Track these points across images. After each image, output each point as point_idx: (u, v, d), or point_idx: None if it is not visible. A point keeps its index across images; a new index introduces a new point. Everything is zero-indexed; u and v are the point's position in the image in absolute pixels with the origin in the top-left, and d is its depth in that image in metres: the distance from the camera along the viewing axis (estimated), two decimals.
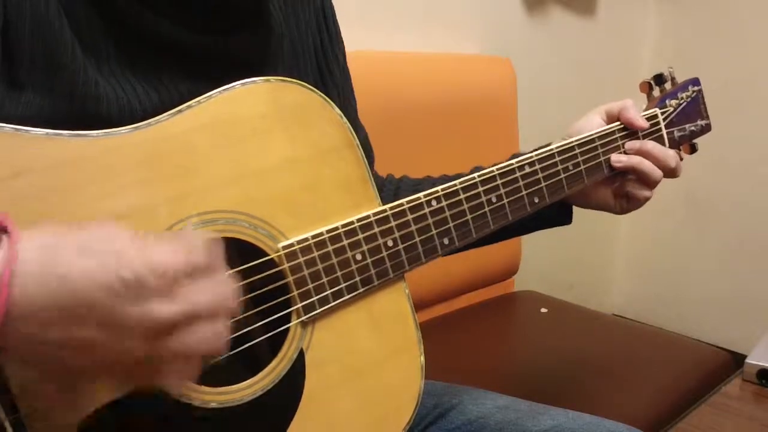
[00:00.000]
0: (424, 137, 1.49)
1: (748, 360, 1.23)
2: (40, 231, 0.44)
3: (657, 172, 0.86)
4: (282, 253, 0.62)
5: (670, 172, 0.88)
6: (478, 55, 1.76)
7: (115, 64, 0.61)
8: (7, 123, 0.51)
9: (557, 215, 0.90)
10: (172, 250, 0.46)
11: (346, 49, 0.86)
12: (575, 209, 0.91)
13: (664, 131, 0.92)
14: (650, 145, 0.87)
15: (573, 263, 2.17)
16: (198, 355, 0.48)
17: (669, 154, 0.87)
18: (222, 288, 0.48)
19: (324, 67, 0.81)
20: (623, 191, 0.88)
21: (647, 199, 0.88)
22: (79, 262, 0.42)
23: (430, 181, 0.89)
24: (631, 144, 0.88)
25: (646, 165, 0.86)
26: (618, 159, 0.86)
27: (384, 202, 0.69)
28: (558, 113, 1.90)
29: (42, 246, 0.42)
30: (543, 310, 1.64)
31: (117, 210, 0.55)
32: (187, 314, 0.46)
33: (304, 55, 0.78)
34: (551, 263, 2.04)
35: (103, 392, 0.48)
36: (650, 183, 0.87)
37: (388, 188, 0.89)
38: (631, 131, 0.88)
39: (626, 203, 0.89)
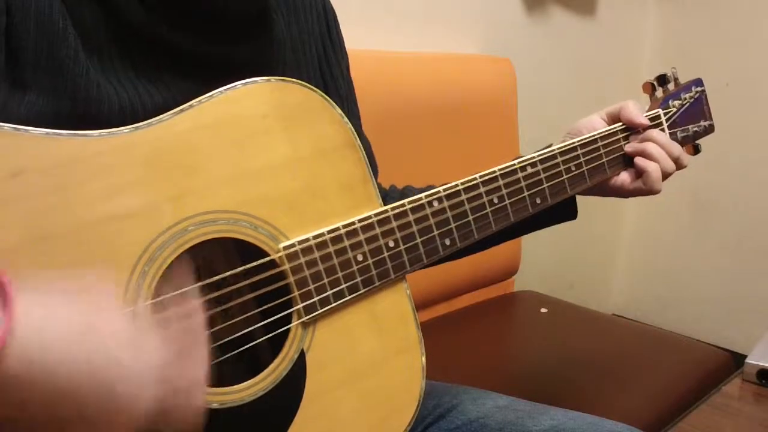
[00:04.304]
0: (424, 137, 1.49)
1: (748, 360, 1.23)
2: (38, 303, 0.43)
3: (663, 155, 0.86)
4: (283, 253, 0.62)
5: (675, 161, 0.88)
6: (478, 55, 1.76)
7: (118, 65, 0.61)
8: (8, 123, 0.51)
9: (563, 211, 0.90)
10: (161, 348, 0.47)
11: (347, 48, 0.86)
12: (579, 209, 0.91)
13: (667, 132, 0.93)
14: (654, 132, 0.89)
15: (573, 263, 2.17)
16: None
17: (673, 143, 0.88)
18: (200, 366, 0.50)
19: (327, 75, 0.81)
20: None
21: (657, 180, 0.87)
22: (71, 367, 0.43)
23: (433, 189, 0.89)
24: (633, 138, 0.89)
25: (652, 147, 0.86)
26: (631, 145, 0.88)
27: None
28: (558, 113, 1.90)
29: (37, 329, 0.42)
30: (543, 310, 1.64)
31: (117, 210, 0.54)
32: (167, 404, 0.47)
33: (306, 64, 0.78)
34: (551, 263, 2.04)
35: None
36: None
37: (392, 197, 0.89)
38: (633, 131, 0.88)
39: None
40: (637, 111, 0.89)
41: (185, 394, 0.49)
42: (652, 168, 0.86)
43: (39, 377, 0.42)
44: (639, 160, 0.87)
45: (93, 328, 0.45)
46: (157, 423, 0.47)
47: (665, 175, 0.87)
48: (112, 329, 0.46)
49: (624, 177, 0.89)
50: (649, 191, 0.88)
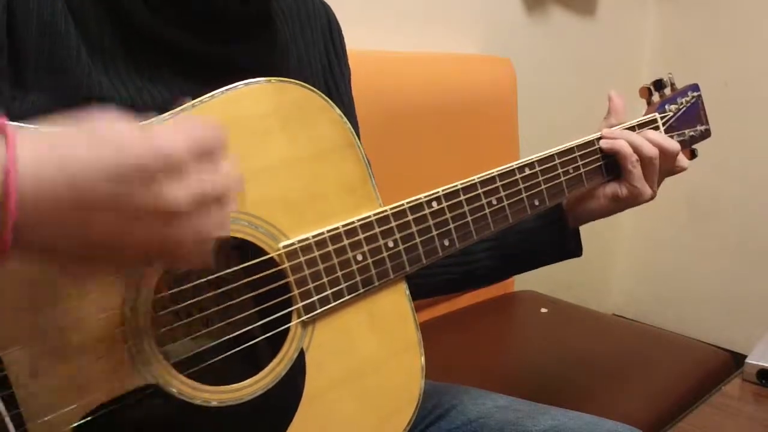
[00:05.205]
0: (424, 137, 1.49)
1: (748, 360, 1.23)
2: (38, 132, 0.42)
3: (633, 157, 0.84)
4: (282, 252, 0.62)
5: (674, 159, 0.87)
6: (478, 55, 1.76)
7: (120, 65, 0.61)
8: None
9: (568, 245, 0.91)
10: (174, 133, 0.44)
11: (346, 47, 0.87)
12: None
13: None
14: (647, 131, 0.88)
15: (573, 263, 2.16)
16: (209, 238, 0.47)
17: (670, 140, 0.87)
18: (227, 171, 0.47)
19: (332, 87, 0.81)
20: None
21: (637, 190, 0.85)
22: (81, 154, 0.41)
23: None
24: (608, 131, 0.87)
25: (625, 147, 0.84)
26: (605, 141, 0.86)
27: None
28: (558, 113, 1.90)
29: (40, 145, 0.41)
30: (543, 310, 1.64)
31: None
32: (197, 199, 0.45)
33: (311, 75, 0.78)
34: None
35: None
36: (630, 170, 0.85)
37: None
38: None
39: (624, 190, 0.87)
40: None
41: (216, 194, 0.46)
42: (626, 155, 0.84)
43: (67, 183, 0.40)
44: (618, 158, 0.85)
45: (99, 129, 0.43)
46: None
47: (655, 171, 0.85)
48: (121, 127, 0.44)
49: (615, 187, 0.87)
50: (637, 191, 0.85)
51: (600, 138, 0.86)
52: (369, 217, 0.67)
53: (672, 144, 0.86)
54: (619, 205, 0.88)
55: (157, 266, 0.54)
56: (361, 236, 0.66)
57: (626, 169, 0.85)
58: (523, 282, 1.85)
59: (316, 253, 0.63)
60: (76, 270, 0.48)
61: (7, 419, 0.46)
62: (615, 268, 2.48)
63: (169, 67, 0.64)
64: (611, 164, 0.86)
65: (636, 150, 0.84)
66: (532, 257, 0.92)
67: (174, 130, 0.45)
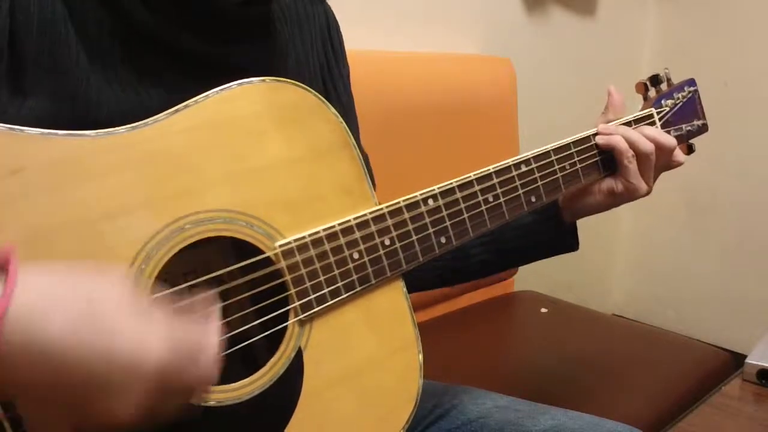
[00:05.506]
0: (424, 137, 1.49)
1: (748, 360, 1.23)
2: (38, 282, 0.43)
3: (629, 152, 0.84)
4: (279, 251, 0.62)
5: (670, 154, 0.87)
6: (478, 55, 1.76)
7: (120, 68, 0.61)
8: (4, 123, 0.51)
9: (565, 241, 0.90)
10: (166, 342, 0.46)
11: (346, 47, 0.86)
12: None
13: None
14: (644, 127, 0.87)
15: (573, 263, 2.16)
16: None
17: (667, 136, 0.87)
18: (204, 369, 0.49)
19: (330, 85, 0.81)
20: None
21: (632, 185, 0.85)
22: (69, 343, 0.42)
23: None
24: (604, 126, 0.86)
25: (621, 143, 0.84)
26: (601, 136, 0.85)
27: None
28: (558, 113, 1.90)
29: (36, 303, 0.42)
30: (543, 310, 1.64)
31: (114, 209, 0.55)
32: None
33: (309, 76, 0.78)
34: (551, 263, 2.02)
35: None
36: (626, 165, 0.84)
37: None
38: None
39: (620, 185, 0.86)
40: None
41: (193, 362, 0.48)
42: (621, 151, 0.83)
43: (37, 356, 0.41)
44: (614, 153, 0.84)
45: (96, 299, 0.44)
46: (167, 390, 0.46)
47: (650, 167, 0.85)
48: (118, 296, 0.46)
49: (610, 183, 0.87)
50: (633, 186, 0.85)
51: (596, 134, 0.86)
52: (365, 215, 0.67)
53: (668, 139, 0.86)
54: (615, 200, 0.87)
55: None
56: (357, 235, 0.66)
57: (622, 165, 0.84)
58: (523, 282, 1.84)
59: (313, 252, 0.63)
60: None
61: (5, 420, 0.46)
62: (615, 268, 2.48)
63: (168, 67, 0.64)
64: (608, 160, 0.86)
65: (632, 145, 0.84)
66: (528, 252, 0.92)
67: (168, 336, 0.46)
